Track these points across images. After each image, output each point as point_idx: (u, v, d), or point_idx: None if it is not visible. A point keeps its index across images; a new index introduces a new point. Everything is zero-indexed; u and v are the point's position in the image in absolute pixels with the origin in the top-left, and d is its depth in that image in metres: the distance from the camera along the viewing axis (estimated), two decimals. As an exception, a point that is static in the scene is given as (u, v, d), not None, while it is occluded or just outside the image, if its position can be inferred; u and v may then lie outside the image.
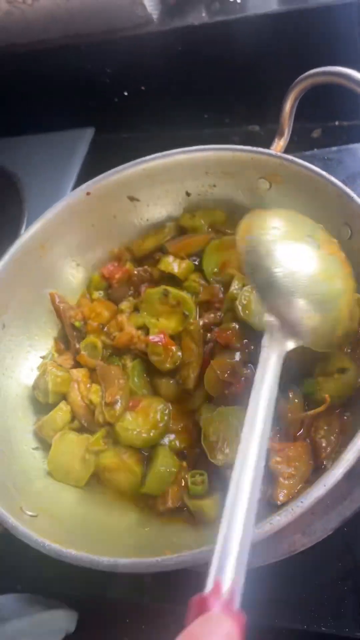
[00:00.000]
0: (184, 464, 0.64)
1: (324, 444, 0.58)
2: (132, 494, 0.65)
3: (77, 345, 0.74)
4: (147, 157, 0.75)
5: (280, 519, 0.47)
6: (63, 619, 0.72)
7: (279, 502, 0.55)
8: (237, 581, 0.36)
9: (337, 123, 1.06)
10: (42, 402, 0.70)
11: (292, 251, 0.54)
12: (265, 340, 0.51)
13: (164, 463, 0.63)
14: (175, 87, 1.10)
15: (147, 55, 1.05)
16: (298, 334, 0.52)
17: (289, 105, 0.73)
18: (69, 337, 0.76)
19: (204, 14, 0.98)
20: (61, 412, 0.69)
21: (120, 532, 0.61)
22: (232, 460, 0.54)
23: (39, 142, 1.19)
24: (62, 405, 0.69)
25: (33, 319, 0.75)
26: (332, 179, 0.65)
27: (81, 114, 1.17)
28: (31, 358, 0.74)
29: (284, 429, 0.60)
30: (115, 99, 1.14)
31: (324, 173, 0.66)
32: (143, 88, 1.12)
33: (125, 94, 1.13)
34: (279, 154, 0.71)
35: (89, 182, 0.75)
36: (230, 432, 0.59)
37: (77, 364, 0.73)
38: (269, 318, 0.52)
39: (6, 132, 1.22)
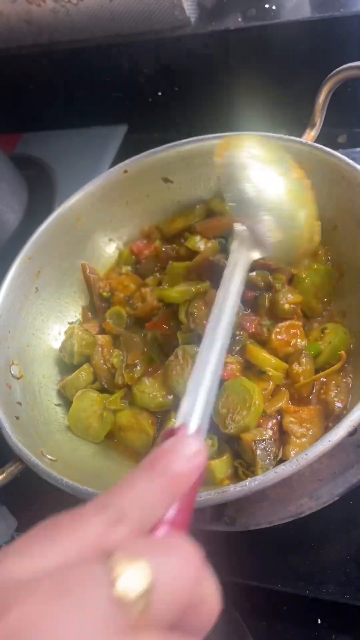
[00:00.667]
0: None
1: (337, 404, 0.61)
2: (144, 453, 0.67)
3: (104, 314, 0.77)
4: (184, 140, 0.79)
5: (285, 468, 0.49)
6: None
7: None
8: (203, 424, 0.38)
9: (362, 129, 1.11)
10: (67, 362, 0.73)
11: (264, 169, 0.58)
12: (234, 246, 0.57)
13: None
14: (208, 90, 1.14)
15: (182, 57, 1.10)
16: (263, 246, 0.57)
17: (322, 97, 0.77)
18: (96, 307, 0.79)
19: (240, 19, 1.03)
20: (84, 372, 0.72)
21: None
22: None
23: (74, 137, 1.24)
24: (86, 366, 0.72)
25: (64, 287, 0.79)
26: (358, 166, 0.68)
27: (115, 112, 1.22)
28: (60, 322, 0.78)
29: (296, 393, 0.64)
30: (150, 99, 1.19)
31: (351, 161, 0.69)
32: (177, 89, 1.17)
33: (159, 94, 1.18)
34: (309, 142, 0.74)
35: (127, 161, 0.79)
36: (238, 403, 0.61)
37: (102, 331, 0.76)
38: (239, 227, 0.58)
39: (41, 126, 1.27)
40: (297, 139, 0.74)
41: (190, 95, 1.16)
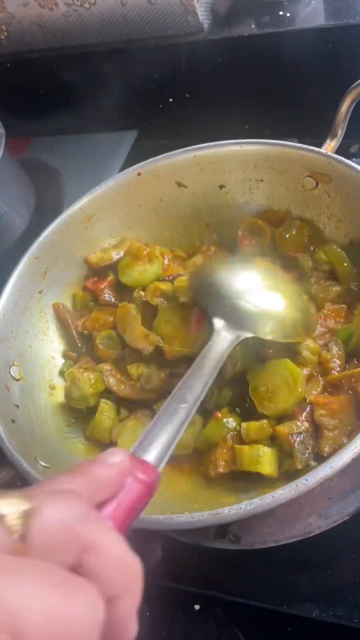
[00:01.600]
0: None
1: None
2: None
3: (94, 342, 0.74)
4: (200, 145, 0.78)
5: (282, 493, 0.47)
6: None
7: (324, 454, 0.56)
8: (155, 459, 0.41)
9: (375, 139, 1.09)
10: (81, 408, 0.70)
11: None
12: (214, 335, 0.58)
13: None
14: (219, 97, 1.13)
15: (194, 63, 1.09)
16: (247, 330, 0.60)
17: (345, 107, 0.75)
18: (78, 343, 0.77)
19: (253, 26, 1.02)
20: (106, 412, 0.68)
21: None
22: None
23: (83, 142, 1.23)
24: (104, 404, 0.69)
25: (69, 289, 0.78)
26: None
27: (126, 117, 1.21)
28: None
29: (326, 382, 0.62)
30: (160, 105, 1.18)
31: None
32: (188, 96, 1.16)
33: (170, 100, 1.17)
34: (328, 153, 0.72)
35: (141, 163, 0.78)
36: (280, 385, 0.60)
37: (98, 360, 0.74)
38: (217, 323, 0.60)
39: (50, 131, 1.26)
40: (317, 149, 0.72)
41: (201, 102, 1.15)
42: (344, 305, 0.69)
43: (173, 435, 0.44)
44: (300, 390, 0.60)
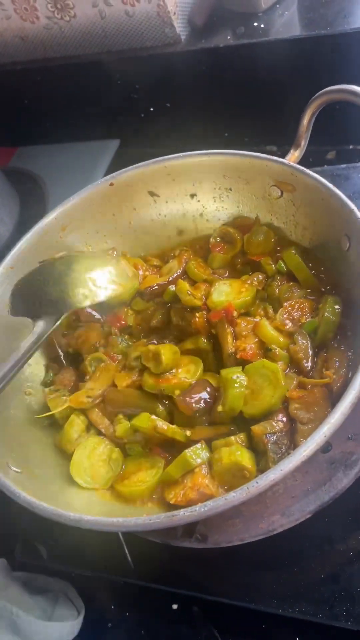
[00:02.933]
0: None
1: (334, 378, 0.61)
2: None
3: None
4: (170, 156, 0.80)
5: (235, 495, 0.48)
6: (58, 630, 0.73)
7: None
8: None
9: (351, 147, 1.11)
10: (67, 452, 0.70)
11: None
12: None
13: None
14: (199, 106, 1.15)
15: (174, 73, 1.11)
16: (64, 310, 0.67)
17: (306, 119, 0.77)
18: (63, 360, 0.79)
19: (229, 37, 1.04)
20: (75, 426, 0.70)
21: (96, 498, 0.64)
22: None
23: (67, 151, 1.25)
24: (75, 417, 0.70)
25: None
26: (337, 191, 0.67)
27: (108, 127, 1.23)
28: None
29: (295, 366, 0.65)
30: (142, 114, 1.20)
31: (330, 185, 0.69)
32: (168, 105, 1.18)
33: (152, 109, 1.19)
34: (291, 163, 0.74)
35: (114, 174, 0.79)
36: (263, 383, 0.63)
37: (78, 379, 0.75)
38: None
39: (35, 140, 1.29)
40: (281, 159, 0.74)
41: (182, 111, 1.17)
42: (310, 298, 0.71)
43: None
44: (283, 383, 0.61)
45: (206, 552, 0.66)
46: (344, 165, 1.00)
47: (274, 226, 0.78)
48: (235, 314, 0.68)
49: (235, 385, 0.62)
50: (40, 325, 0.65)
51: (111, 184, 0.79)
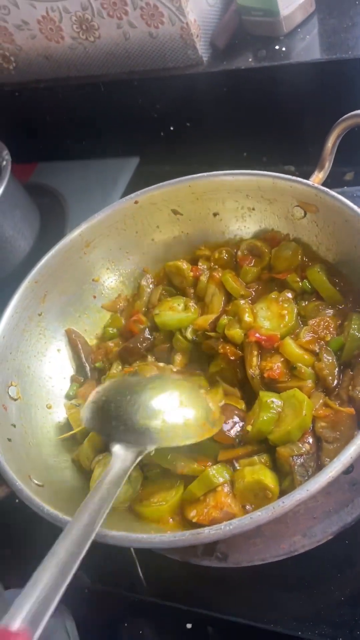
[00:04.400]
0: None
1: None
2: None
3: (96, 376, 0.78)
4: (194, 175, 0.81)
5: (260, 515, 0.49)
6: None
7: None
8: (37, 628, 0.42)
9: (369, 168, 1.12)
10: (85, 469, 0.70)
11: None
12: (112, 460, 0.58)
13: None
14: (218, 126, 1.17)
15: (194, 94, 1.13)
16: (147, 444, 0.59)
17: (331, 141, 0.78)
18: (88, 372, 0.79)
19: (250, 59, 1.06)
20: (95, 443, 0.69)
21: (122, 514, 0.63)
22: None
23: (87, 167, 1.27)
24: (94, 434, 0.69)
25: (69, 312, 0.81)
26: None
27: (128, 144, 1.25)
28: (63, 346, 0.80)
29: (321, 384, 0.65)
30: (162, 133, 1.22)
31: (354, 206, 0.70)
32: (188, 124, 1.19)
33: (172, 128, 1.21)
34: (315, 184, 0.75)
35: (138, 192, 0.81)
36: (286, 410, 0.63)
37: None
38: (116, 449, 0.59)
39: (56, 156, 1.31)
40: (305, 181, 0.75)
41: (201, 131, 1.19)
42: (335, 316, 0.71)
43: (51, 587, 0.44)
44: (305, 413, 0.61)
45: (222, 570, 0.66)
46: (364, 187, 1.01)
47: (302, 241, 0.78)
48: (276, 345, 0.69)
49: (271, 410, 0.63)
50: (119, 455, 0.57)
51: (136, 202, 0.80)
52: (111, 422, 0.61)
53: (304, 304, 0.73)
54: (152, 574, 0.71)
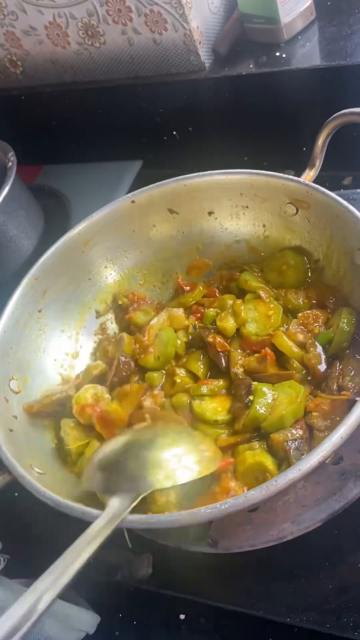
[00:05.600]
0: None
1: (350, 385, 0.63)
2: None
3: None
4: (190, 175, 0.83)
5: (254, 493, 0.50)
6: (85, 620, 0.74)
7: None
8: None
9: (368, 172, 1.14)
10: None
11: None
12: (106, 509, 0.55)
13: None
14: (220, 130, 1.19)
15: (197, 99, 1.15)
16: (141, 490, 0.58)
17: (321, 140, 0.81)
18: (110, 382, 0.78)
19: (251, 65, 1.09)
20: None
21: None
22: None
23: (91, 170, 1.30)
24: (95, 442, 0.70)
25: (68, 309, 0.83)
26: (350, 207, 0.70)
27: (131, 148, 1.27)
28: (63, 341, 0.82)
29: (311, 377, 0.67)
30: (165, 137, 1.24)
31: (343, 201, 0.71)
32: (190, 129, 1.22)
33: (174, 133, 1.23)
34: (306, 182, 0.77)
35: (135, 192, 0.83)
36: (281, 399, 0.65)
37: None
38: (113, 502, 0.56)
39: (61, 159, 1.33)
40: (296, 178, 0.78)
41: (203, 135, 1.21)
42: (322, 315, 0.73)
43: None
44: (299, 400, 0.63)
45: (215, 559, 0.67)
46: (359, 190, 1.03)
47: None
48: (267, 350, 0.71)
49: (266, 398, 0.65)
50: (114, 504, 0.55)
51: (132, 201, 0.83)
52: (109, 475, 0.61)
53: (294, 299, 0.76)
54: (145, 562, 0.73)
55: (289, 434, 0.62)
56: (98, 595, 0.77)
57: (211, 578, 0.69)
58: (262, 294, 0.76)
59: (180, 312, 0.80)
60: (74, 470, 0.70)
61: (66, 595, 0.74)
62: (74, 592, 0.77)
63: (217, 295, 0.82)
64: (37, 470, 0.63)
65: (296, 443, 0.61)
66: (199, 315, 0.80)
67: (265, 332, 0.72)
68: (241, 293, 0.81)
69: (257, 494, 0.49)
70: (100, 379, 0.77)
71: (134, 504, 0.55)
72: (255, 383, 0.67)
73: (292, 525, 0.63)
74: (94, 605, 0.77)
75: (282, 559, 0.66)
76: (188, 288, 0.84)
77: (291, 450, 0.60)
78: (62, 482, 0.65)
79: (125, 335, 0.79)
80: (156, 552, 0.72)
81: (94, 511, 0.53)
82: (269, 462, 0.61)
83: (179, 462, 0.61)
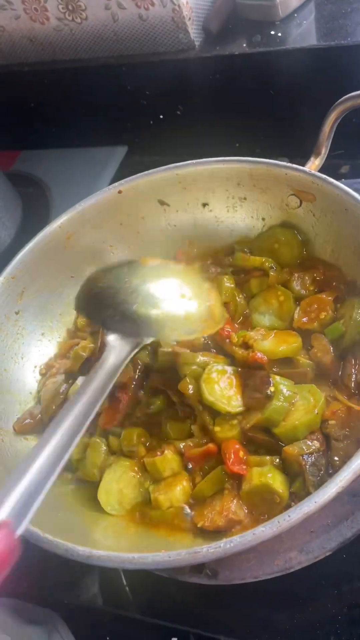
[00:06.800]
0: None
1: None
2: None
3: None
4: (182, 163, 0.77)
5: (264, 530, 0.45)
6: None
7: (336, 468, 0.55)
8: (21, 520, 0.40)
9: (365, 161, 1.08)
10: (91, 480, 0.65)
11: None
12: (106, 350, 0.55)
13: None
14: (210, 114, 1.12)
15: (185, 80, 1.08)
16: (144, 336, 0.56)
17: (328, 125, 0.74)
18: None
19: (244, 45, 1.02)
20: (100, 448, 0.64)
21: (107, 530, 0.59)
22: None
23: (73, 156, 1.22)
24: (97, 439, 0.65)
25: (48, 309, 0.76)
26: None
27: (116, 133, 1.20)
28: (43, 345, 0.75)
29: (325, 373, 0.62)
30: (151, 121, 1.17)
31: (356, 195, 0.66)
32: (179, 113, 1.15)
33: (161, 117, 1.16)
34: (313, 172, 0.71)
35: (122, 181, 0.76)
36: (298, 404, 0.60)
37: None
38: (111, 339, 0.56)
39: (40, 144, 1.25)
40: (301, 167, 0.71)
41: (192, 119, 1.14)
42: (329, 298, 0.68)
43: (37, 481, 0.42)
44: (316, 412, 0.58)
45: (212, 587, 0.62)
46: (360, 180, 0.97)
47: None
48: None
49: (285, 399, 0.58)
50: (114, 346, 0.54)
51: (119, 192, 0.76)
52: (107, 309, 0.57)
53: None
54: (137, 587, 0.67)
55: (304, 447, 0.56)
56: (86, 622, 0.71)
57: (207, 607, 0.64)
58: (271, 268, 0.71)
59: None
60: (77, 475, 0.65)
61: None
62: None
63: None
64: None
65: (313, 457, 0.56)
66: None
67: (283, 325, 0.69)
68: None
69: (267, 530, 0.44)
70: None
71: (137, 350, 0.54)
72: (277, 379, 0.60)
73: (300, 555, 0.57)
74: (82, 632, 0.71)
75: (285, 587, 0.61)
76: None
77: (307, 466, 0.55)
78: (46, 506, 0.58)
79: None
80: (148, 577, 0.66)
81: (77, 548, 0.47)
82: (277, 483, 0.55)
83: (187, 315, 0.58)
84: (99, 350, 0.69)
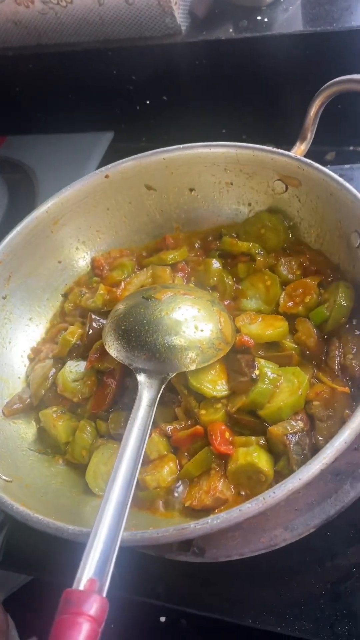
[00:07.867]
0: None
1: (354, 364, 0.60)
2: None
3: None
4: (169, 148, 0.77)
5: (250, 507, 0.46)
6: None
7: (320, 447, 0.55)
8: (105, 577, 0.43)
9: (351, 148, 1.09)
10: (79, 462, 0.66)
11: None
12: (139, 392, 0.60)
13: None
14: (197, 100, 1.12)
15: (172, 65, 1.07)
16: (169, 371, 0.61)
17: (314, 110, 0.75)
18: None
19: (231, 30, 1.01)
20: (88, 427, 0.66)
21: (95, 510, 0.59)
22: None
23: (59, 142, 1.21)
24: (85, 423, 0.66)
25: (36, 294, 0.76)
26: (348, 185, 0.65)
27: (102, 119, 1.19)
28: (30, 330, 0.75)
29: (309, 355, 0.64)
30: (137, 107, 1.17)
31: (341, 180, 0.67)
32: (165, 98, 1.14)
33: (148, 102, 1.16)
34: (298, 156, 0.71)
35: (109, 165, 0.76)
36: (283, 386, 0.61)
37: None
38: (140, 377, 0.61)
39: (26, 130, 1.24)
40: (287, 152, 0.72)
41: (179, 105, 1.14)
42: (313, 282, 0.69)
43: (111, 535, 0.45)
44: (300, 393, 0.59)
45: (199, 565, 0.63)
46: (347, 166, 0.98)
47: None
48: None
49: (270, 382, 0.60)
50: (145, 384, 0.60)
51: (106, 176, 0.76)
52: (133, 351, 0.63)
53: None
54: (125, 567, 0.68)
55: (289, 427, 0.57)
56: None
57: (194, 585, 0.65)
58: (258, 253, 0.73)
59: (167, 270, 0.75)
60: (65, 459, 0.66)
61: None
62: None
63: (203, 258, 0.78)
64: (3, 477, 0.57)
65: (297, 437, 0.57)
66: (185, 272, 0.76)
67: (269, 309, 0.70)
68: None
69: (253, 507, 0.45)
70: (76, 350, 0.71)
71: (163, 386, 0.60)
72: (262, 362, 0.62)
73: (285, 532, 0.58)
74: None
75: (270, 564, 0.62)
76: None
77: (291, 445, 0.56)
78: (30, 487, 0.59)
79: (101, 285, 0.74)
80: (135, 555, 0.67)
81: (67, 527, 0.48)
82: (262, 462, 0.56)
83: (201, 343, 0.62)
84: (86, 336, 0.70)
